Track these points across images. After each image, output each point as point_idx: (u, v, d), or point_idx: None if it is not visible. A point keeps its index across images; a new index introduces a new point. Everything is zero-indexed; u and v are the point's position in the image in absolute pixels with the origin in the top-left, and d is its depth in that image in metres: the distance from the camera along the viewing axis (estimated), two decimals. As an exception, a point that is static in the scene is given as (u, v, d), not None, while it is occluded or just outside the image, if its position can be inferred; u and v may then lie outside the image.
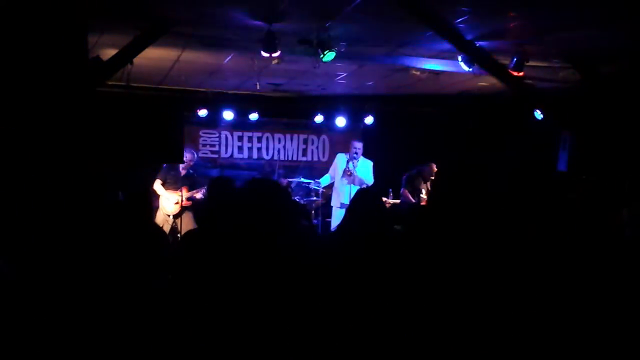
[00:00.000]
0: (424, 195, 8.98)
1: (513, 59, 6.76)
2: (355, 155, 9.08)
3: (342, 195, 9.04)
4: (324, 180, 9.83)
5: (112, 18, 5.76)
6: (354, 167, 9.01)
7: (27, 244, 2.74)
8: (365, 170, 9.12)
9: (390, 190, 9.59)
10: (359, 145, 9.22)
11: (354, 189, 8.86)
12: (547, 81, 8.33)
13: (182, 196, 8.85)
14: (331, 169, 9.65)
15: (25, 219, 2.81)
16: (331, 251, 3.68)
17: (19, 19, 3.18)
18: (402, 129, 11.09)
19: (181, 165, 8.98)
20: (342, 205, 9.00)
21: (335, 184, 9.35)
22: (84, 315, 2.65)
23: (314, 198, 10.09)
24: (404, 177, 9.22)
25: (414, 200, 8.98)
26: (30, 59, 3.19)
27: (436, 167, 9.22)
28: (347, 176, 9.01)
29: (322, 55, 6.46)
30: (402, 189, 9.19)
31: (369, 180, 9.10)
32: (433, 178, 9.20)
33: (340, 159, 9.37)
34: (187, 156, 9.23)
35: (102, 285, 2.63)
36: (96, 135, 4.70)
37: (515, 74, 6.82)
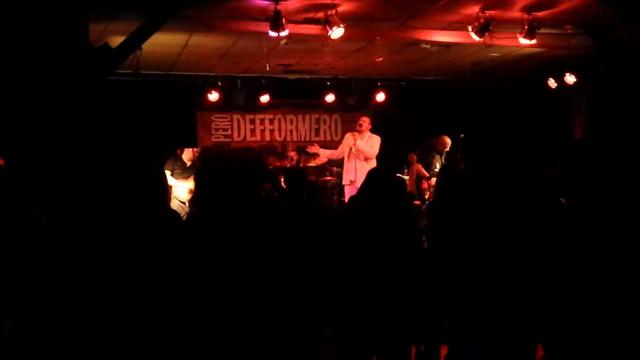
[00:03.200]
0: (437, 170, 8.93)
1: (524, 27, 6.67)
2: (360, 127, 9.07)
3: (350, 173, 9.06)
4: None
5: (118, 4, 5.74)
6: (360, 140, 9.01)
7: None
8: (372, 142, 9.09)
9: (406, 167, 9.55)
10: (363, 119, 9.22)
11: (360, 164, 8.87)
12: (559, 48, 8.21)
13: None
14: (340, 147, 9.65)
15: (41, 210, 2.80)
16: (347, 228, 3.69)
17: (15, 13, 3.16)
18: (414, 105, 11.01)
19: (185, 157, 9.01)
20: (350, 183, 9.03)
21: (345, 162, 9.36)
22: (99, 301, 2.67)
23: (328, 178, 10.10)
24: (417, 151, 9.18)
25: (427, 174, 8.95)
26: (30, 53, 3.17)
27: (449, 140, 9.17)
28: (354, 151, 9.03)
29: (330, 32, 6.41)
30: (413, 164, 9.14)
31: (373, 153, 9.06)
32: (447, 150, 9.16)
33: (348, 138, 9.39)
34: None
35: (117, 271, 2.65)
36: (107, 123, 4.71)
37: (527, 41, 6.73)
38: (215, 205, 2.80)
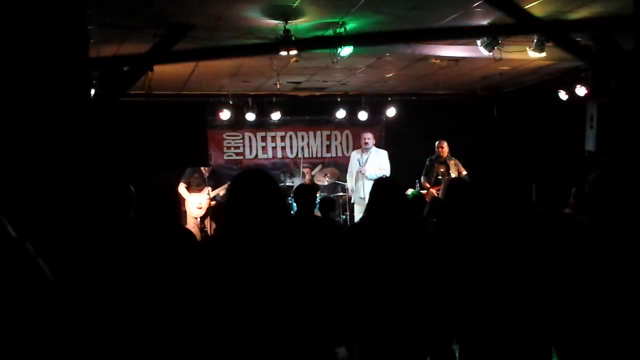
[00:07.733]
0: (440, 178, 9.11)
1: (534, 40, 6.68)
2: (366, 145, 9.12)
3: (360, 190, 9.09)
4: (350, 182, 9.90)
5: (129, 26, 5.82)
6: (367, 158, 9.03)
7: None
8: (379, 160, 9.11)
9: (417, 181, 9.55)
10: (367, 135, 9.27)
11: (368, 182, 8.87)
12: (569, 60, 8.19)
13: (208, 195, 8.94)
14: (349, 168, 9.71)
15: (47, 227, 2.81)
16: (353, 241, 3.70)
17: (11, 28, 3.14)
18: (425, 119, 11.01)
19: (203, 168, 9.10)
20: (359, 200, 9.04)
21: (354, 180, 9.39)
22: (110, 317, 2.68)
23: (341, 193, 10.12)
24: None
25: (428, 185, 9.10)
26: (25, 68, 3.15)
27: (446, 144, 9.22)
28: (361, 170, 9.06)
29: (340, 50, 6.44)
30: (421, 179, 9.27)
31: (386, 169, 9.06)
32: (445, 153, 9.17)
33: (354, 155, 9.44)
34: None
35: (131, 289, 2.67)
36: (119, 144, 4.74)
37: (536, 54, 6.74)
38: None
